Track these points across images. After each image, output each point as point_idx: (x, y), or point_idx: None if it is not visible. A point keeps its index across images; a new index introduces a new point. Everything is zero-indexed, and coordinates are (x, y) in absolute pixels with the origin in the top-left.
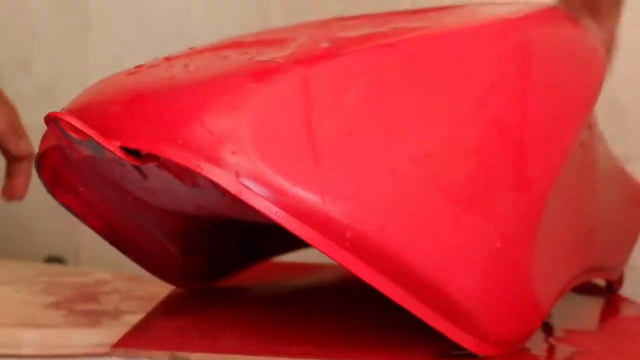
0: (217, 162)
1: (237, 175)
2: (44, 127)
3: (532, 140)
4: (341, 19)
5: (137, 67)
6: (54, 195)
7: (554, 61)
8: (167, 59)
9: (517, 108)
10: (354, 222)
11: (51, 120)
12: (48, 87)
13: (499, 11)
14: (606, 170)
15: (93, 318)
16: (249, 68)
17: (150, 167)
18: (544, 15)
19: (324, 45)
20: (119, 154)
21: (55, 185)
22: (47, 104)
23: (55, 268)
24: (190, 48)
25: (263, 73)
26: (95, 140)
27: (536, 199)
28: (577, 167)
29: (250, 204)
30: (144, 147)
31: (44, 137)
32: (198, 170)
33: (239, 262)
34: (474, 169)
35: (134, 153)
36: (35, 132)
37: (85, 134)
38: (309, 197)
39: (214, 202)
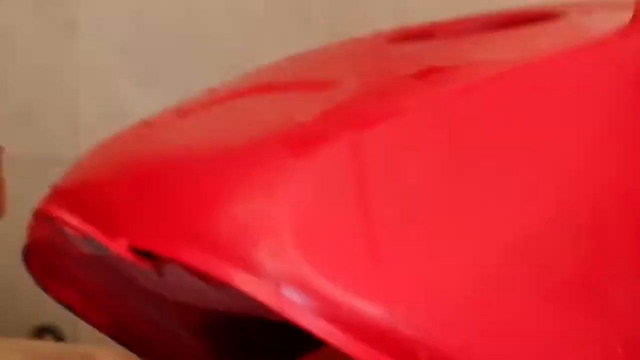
0: (252, 268)
1: (278, 284)
2: (25, 157)
3: None
4: (390, 39)
5: (144, 123)
6: (46, 290)
7: None
8: (180, 111)
9: (637, 164)
10: (429, 338)
11: (40, 215)
12: (26, 106)
13: (608, 23)
14: None
15: None
16: (284, 134)
17: (168, 265)
18: None
19: (377, 93)
20: (128, 256)
21: (48, 276)
22: (25, 126)
23: (45, 346)
24: (209, 90)
25: (303, 143)
26: (97, 240)
27: None
28: None
29: (297, 322)
30: (157, 247)
31: (33, 225)
32: (227, 279)
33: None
34: (584, 254)
35: (145, 252)
36: (14, 161)
37: (84, 230)
38: (370, 308)
39: (249, 305)
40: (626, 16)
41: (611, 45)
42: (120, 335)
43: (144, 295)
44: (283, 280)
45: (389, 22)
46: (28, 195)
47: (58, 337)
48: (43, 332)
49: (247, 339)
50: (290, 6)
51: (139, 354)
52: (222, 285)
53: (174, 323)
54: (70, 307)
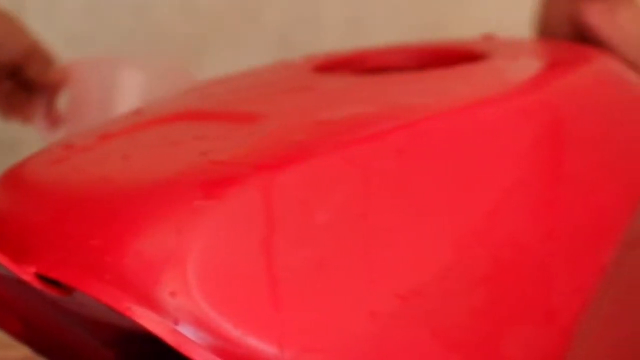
0: (151, 305)
1: (176, 322)
2: None
3: (557, 260)
4: (318, 67)
5: (66, 146)
6: None
7: (596, 148)
8: (103, 137)
9: (541, 219)
10: None
11: None
12: None
13: (525, 71)
14: None
15: None
16: (198, 173)
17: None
18: (588, 75)
19: (297, 136)
20: (35, 283)
21: None
22: None
23: None
24: (136, 111)
25: (214, 184)
26: (6, 266)
27: (561, 332)
28: (623, 276)
29: (192, 358)
30: (63, 277)
31: None
32: (128, 313)
33: None
34: (480, 304)
35: (54, 281)
36: None
37: None
38: (265, 349)
39: None
40: (543, 65)
41: (522, 97)
42: (34, 342)
43: (55, 306)
44: (182, 317)
45: (340, 29)
46: None
47: None
48: None
49: (156, 349)
50: (243, 8)
51: None
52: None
53: (84, 332)
54: None
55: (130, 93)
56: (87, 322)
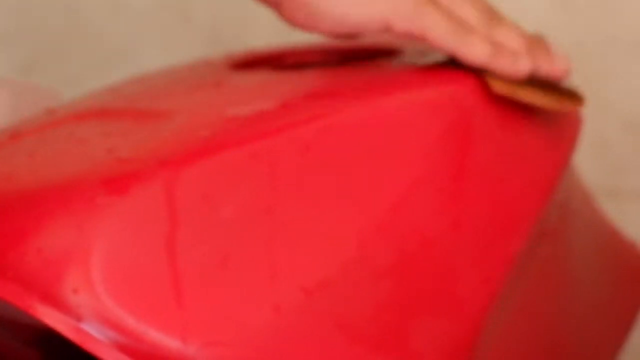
0: (54, 302)
1: (79, 319)
2: None
3: (464, 251)
4: (235, 64)
5: None
6: None
7: (501, 141)
8: (14, 136)
9: (446, 211)
10: None
11: None
12: None
13: (433, 66)
14: (587, 249)
15: None
16: (102, 170)
17: None
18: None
19: (202, 132)
20: None
21: None
22: None
23: None
24: (48, 110)
25: (117, 182)
26: None
27: (469, 323)
28: (536, 266)
29: (97, 355)
30: None
31: None
32: (31, 311)
33: None
34: (385, 296)
35: None
36: None
37: None
38: (169, 343)
39: None
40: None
41: (429, 91)
42: None
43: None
44: (85, 315)
45: (270, 25)
46: None
47: None
48: None
49: (78, 347)
50: (173, 5)
51: None
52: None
53: (5, 333)
54: None
55: None
56: (6, 323)
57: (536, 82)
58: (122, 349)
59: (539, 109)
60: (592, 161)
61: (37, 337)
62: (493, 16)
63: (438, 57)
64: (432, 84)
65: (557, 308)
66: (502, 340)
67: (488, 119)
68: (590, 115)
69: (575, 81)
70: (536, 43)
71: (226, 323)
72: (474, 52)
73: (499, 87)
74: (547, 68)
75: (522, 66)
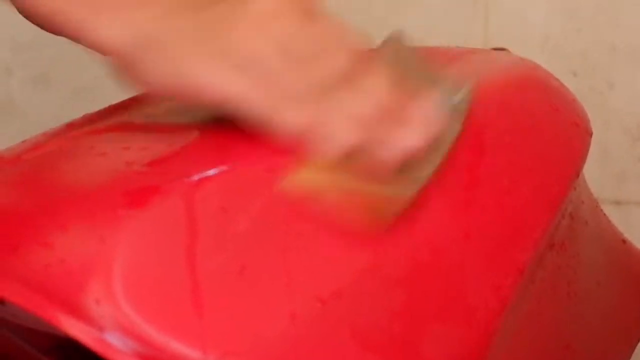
0: (77, 313)
1: (102, 329)
2: None
3: (475, 261)
4: None
5: None
6: None
7: (513, 152)
8: (36, 148)
9: (457, 222)
10: None
11: None
12: None
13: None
14: (596, 259)
15: None
16: (123, 182)
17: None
18: (507, 80)
19: (221, 145)
20: None
21: None
22: None
23: None
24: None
25: (138, 194)
26: None
27: (480, 331)
28: (545, 275)
29: None
30: None
31: None
32: (54, 322)
33: None
34: (399, 305)
35: None
36: None
37: None
38: (189, 353)
39: None
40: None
41: None
42: None
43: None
44: (108, 325)
45: None
46: None
47: None
48: None
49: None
50: None
51: None
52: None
53: (22, 341)
54: None
55: None
56: (23, 331)
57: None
58: (144, 359)
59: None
60: (596, 170)
61: (54, 346)
62: (329, 89)
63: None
64: None
65: (566, 317)
66: (512, 350)
67: (500, 130)
68: (595, 124)
69: (580, 92)
70: (390, 121)
71: (244, 333)
72: (290, 126)
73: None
74: (376, 161)
75: (338, 152)
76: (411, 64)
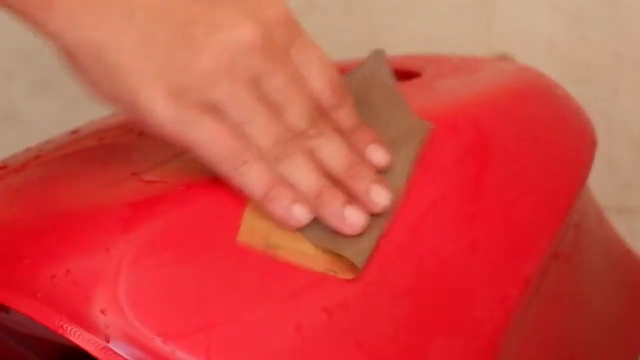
0: (83, 322)
1: (107, 339)
2: None
3: (481, 272)
4: None
5: (1, 165)
6: None
7: (518, 163)
8: (38, 156)
9: (463, 233)
10: None
11: None
12: None
13: (450, 90)
14: (600, 268)
15: None
16: (128, 192)
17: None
18: (513, 92)
19: None
20: None
21: None
22: None
23: None
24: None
25: (143, 204)
26: None
27: (486, 343)
28: (550, 285)
29: None
30: None
31: None
32: (60, 331)
33: None
34: (403, 314)
35: None
36: None
37: None
38: None
39: None
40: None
41: (447, 113)
42: None
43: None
44: (113, 335)
45: None
46: None
47: None
48: None
49: None
50: None
51: None
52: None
53: (26, 350)
54: None
55: None
56: (28, 339)
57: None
58: None
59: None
60: (600, 179)
61: (59, 355)
62: (294, 143)
63: (456, 78)
64: (452, 105)
65: (571, 326)
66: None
67: (505, 140)
68: (599, 134)
69: (585, 100)
70: (348, 183)
71: (250, 343)
72: (248, 184)
73: (250, 234)
74: (335, 224)
75: (297, 215)
76: (380, 100)
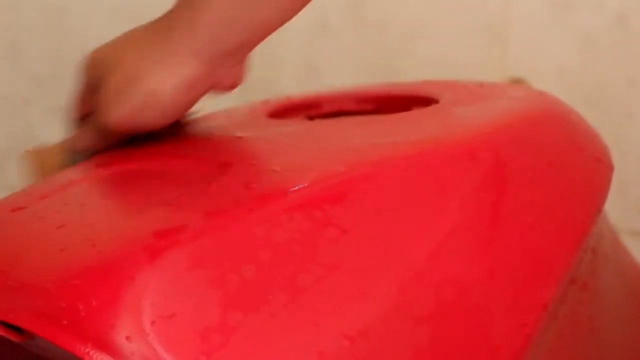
0: (108, 349)
1: None
2: None
3: (499, 298)
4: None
5: (27, 195)
6: None
7: (536, 189)
8: (63, 187)
9: (482, 259)
10: None
11: None
12: None
13: (470, 115)
14: (616, 292)
15: None
16: (151, 222)
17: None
18: (530, 118)
19: (249, 184)
20: None
21: None
22: None
23: None
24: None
25: (167, 232)
26: None
27: None
28: (567, 311)
29: None
30: (24, 324)
31: None
32: (85, 358)
33: None
34: (422, 342)
35: (15, 327)
36: None
37: None
38: None
39: None
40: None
41: (465, 141)
42: None
43: (19, 350)
44: None
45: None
46: None
47: None
48: None
49: None
50: None
51: None
52: None
53: None
54: None
55: None
56: None
57: None
58: None
59: None
60: (614, 200)
61: None
62: None
63: (474, 105)
64: (470, 132)
65: (587, 351)
66: None
67: (523, 167)
68: (612, 155)
69: (597, 122)
70: None
71: None
72: None
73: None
74: None
75: None
76: None
